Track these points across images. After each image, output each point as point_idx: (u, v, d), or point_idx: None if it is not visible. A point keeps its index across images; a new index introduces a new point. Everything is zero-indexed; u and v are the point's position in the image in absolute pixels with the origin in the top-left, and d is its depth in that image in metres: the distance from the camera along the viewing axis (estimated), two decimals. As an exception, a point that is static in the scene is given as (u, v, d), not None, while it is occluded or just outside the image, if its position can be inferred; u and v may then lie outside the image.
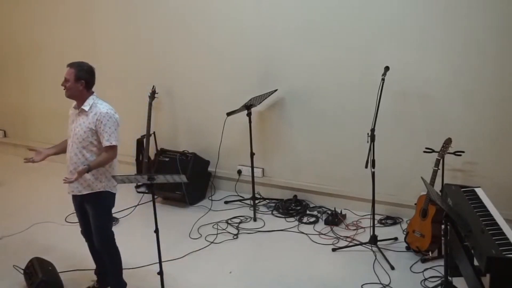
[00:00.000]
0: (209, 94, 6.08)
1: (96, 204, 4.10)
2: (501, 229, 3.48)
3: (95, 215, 4.13)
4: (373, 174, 4.67)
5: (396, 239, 5.00)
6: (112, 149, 4.03)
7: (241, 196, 6.00)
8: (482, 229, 3.49)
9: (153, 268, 4.46)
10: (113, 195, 4.19)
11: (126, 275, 4.54)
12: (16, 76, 7.28)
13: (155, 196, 4.16)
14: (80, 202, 4.19)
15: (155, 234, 4.03)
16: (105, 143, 4.00)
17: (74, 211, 4.35)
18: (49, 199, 6.13)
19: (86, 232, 4.31)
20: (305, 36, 5.46)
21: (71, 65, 4.07)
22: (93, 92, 4.11)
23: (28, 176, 6.81)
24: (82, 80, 4.02)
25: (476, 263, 3.51)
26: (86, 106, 4.04)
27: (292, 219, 5.53)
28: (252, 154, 5.51)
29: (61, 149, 4.27)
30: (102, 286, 4.46)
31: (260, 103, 5.59)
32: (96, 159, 4.02)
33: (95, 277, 4.52)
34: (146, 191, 6.03)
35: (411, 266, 4.60)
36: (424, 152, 4.82)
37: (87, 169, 3.95)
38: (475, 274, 3.55)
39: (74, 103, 4.15)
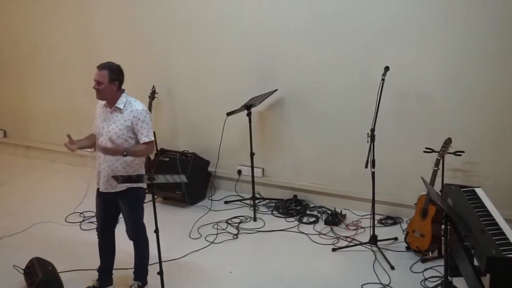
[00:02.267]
0: (209, 94, 6.08)
1: (130, 199, 4.22)
2: (501, 229, 3.49)
3: (129, 209, 4.24)
4: (373, 174, 4.67)
5: (396, 239, 5.00)
6: (151, 144, 4.18)
7: (241, 196, 5.99)
8: (482, 229, 3.49)
9: (153, 268, 4.46)
10: (144, 189, 4.31)
11: (126, 275, 4.56)
12: (16, 76, 7.27)
13: (155, 196, 4.16)
14: (110, 198, 4.24)
15: (155, 234, 4.04)
16: (144, 139, 4.13)
17: (89, 210, 4.43)
18: (49, 199, 6.14)
19: (105, 229, 4.38)
20: (305, 36, 5.46)
21: (102, 67, 4.10)
22: (124, 90, 4.18)
23: (28, 176, 6.81)
24: (116, 82, 4.10)
25: (476, 263, 3.51)
26: (120, 104, 4.13)
27: (292, 219, 5.53)
28: (252, 154, 5.51)
29: (92, 143, 4.30)
30: (103, 286, 4.48)
31: (260, 103, 5.59)
32: (135, 147, 4.11)
33: (95, 277, 4.52)
34: (146, 191, 6.02)
35: (411, 266, 4.60)
36: (424, 152, 4.82)
37: (124, 151, 4.04)
38: (475, 274, 3.56)
39: (99, 101, 4.23)
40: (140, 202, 4.31)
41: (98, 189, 4.29)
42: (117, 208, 4.32)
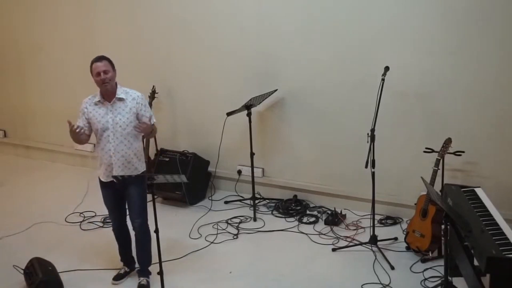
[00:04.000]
0: (209, 94, 6.08)
1: (140, 184, 4.32)
2: (501, 229, 3.49)
3: (140, 196, 4.33)
4: (373, 174, 4.67)
5: (396, 239, 5.00)
6: (155, 126, 4.41)
7: (241, 196, 5.99)
8: (482, 229, 3.49)
9: (153, 268, 4.46)
10: None
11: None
12: (16, 76, 7.28)
13: (155, 196, 4.16)
14: (119, 189, 4.29)
15: (155, 234, 4.03)
16: (151, 122, 4.31)
17: (104, 203, 4.48)
18: (49, 199, 6.13)
19: (121, 222, 4.48)
20: (305, 36, 5.46)
21: (101, 59, 4.22)
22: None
23: (28, 176, 6.81)
24: (115, 70, 4.26)
25: (476, 263, 3.51)
26: (122, 94, 4.25)
27: (292, 219, 5.53)
28: (252, 154, 5.51)
29: (85, 140, 4.35)
30: (132, 268, 4.60)
31: (260, 103, 5.59)
32: (154, 127, 4.35)
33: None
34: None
35: (411, 266, 4.60)
36: (424, 152, 4.82)
37: (152, 128, 4.27)
38: (475, 274, 3.56)
39: (87, 99, 4.28)
40: (146, 189, 4.40)
41: (104, 182, 4.32)
42: (124, 199, 4.36)
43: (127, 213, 4.47)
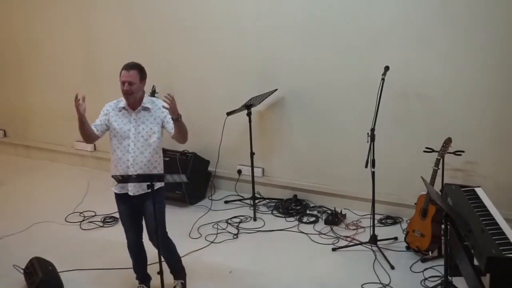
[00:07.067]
0: (209, 94, 6.08)
1: (159, 198, 4.11)
2: (501, 229, 3.49)
3: (158, 210, 4.01)
4: (373, 174, 4.67)
5: (396, 238, 5.00)
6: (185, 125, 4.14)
7: (241, 196, 5.99)
8: (482, 228, 3.49)
9: (153, 268, 4.46)
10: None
11: (126, 275, 4.55)
12: (16, 76, 7.27)
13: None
14: (135, 203, 4.11)
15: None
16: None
17: (118, 213, 4.27)
18: (49, 199, 6.13)
19: (138, 240, 4.23)
20: (305, 36, 5.46)
21: (130, 67, 4.00)
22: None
23: (28, 176, 6.80)
24: (144, 80, 4.06)
25: (476, 263, 3.51)
26: (148, 104, 4.07)
27: (292, 218, 5.53)
28: (252, 154, 5.51)
29: (90, 132, 4.06)
30: (148, 285, 4.42)
31: (260, 103, 5.59)
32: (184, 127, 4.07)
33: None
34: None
35: (411, 266, 4.60)
36: (424, 152, 4.82)
37: (180, 117, 3.93)
38: (475, 274, 3.56)
39: (111, 103, 4.12)
40: (164, 202, 4.24)
41: (119, 195, 4.11)
42: (141, 213, 4.18)
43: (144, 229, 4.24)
